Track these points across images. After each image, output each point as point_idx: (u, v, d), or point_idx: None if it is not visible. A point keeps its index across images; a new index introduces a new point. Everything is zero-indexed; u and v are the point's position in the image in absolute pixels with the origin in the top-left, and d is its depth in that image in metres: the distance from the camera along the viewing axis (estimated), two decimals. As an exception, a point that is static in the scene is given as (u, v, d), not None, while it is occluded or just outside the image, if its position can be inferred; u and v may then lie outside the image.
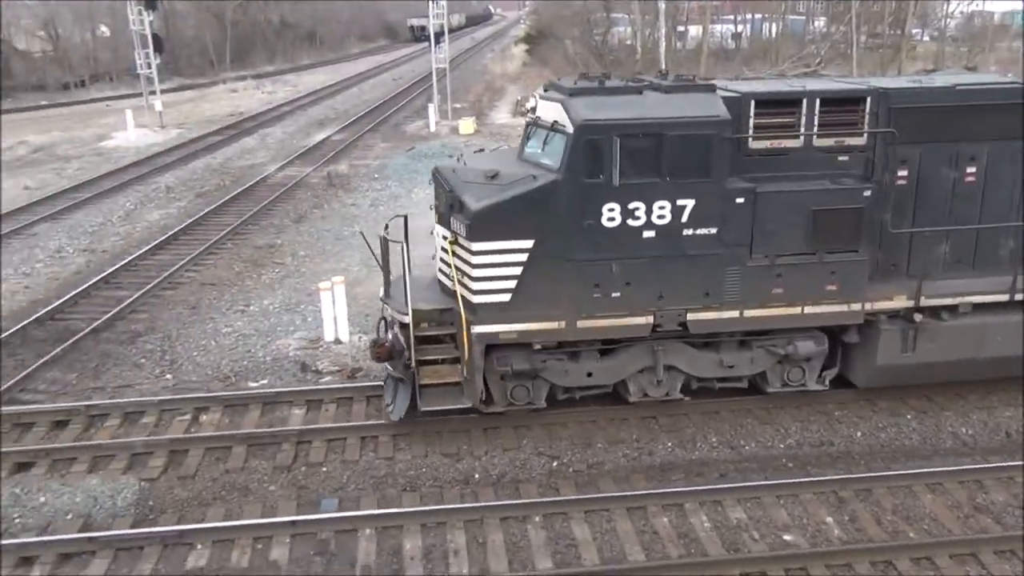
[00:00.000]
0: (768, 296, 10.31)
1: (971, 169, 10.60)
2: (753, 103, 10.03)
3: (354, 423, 11.02)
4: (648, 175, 9.58)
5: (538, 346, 10.33)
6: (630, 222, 9.72)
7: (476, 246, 9.68)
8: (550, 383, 10.72)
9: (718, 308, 10.28)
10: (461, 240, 9.85)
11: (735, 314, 10.36)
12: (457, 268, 10.03)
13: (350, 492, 9.82)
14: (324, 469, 10.23)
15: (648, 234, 9.80)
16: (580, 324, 10.08)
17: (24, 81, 50.13)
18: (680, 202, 9.74)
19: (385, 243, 10.48)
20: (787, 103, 10.12)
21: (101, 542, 8.78)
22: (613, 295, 10.00)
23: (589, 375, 10.67)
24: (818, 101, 10.08)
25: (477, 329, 9.96)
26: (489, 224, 9.62)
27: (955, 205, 10.69)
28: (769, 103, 10.08)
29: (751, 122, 10.06)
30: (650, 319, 10.19)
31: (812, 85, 10.70)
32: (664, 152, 9.52)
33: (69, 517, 9.34)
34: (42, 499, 9.65)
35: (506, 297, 9.87)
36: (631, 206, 9.67)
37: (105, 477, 10.01)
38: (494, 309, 9.90)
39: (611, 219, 9.68)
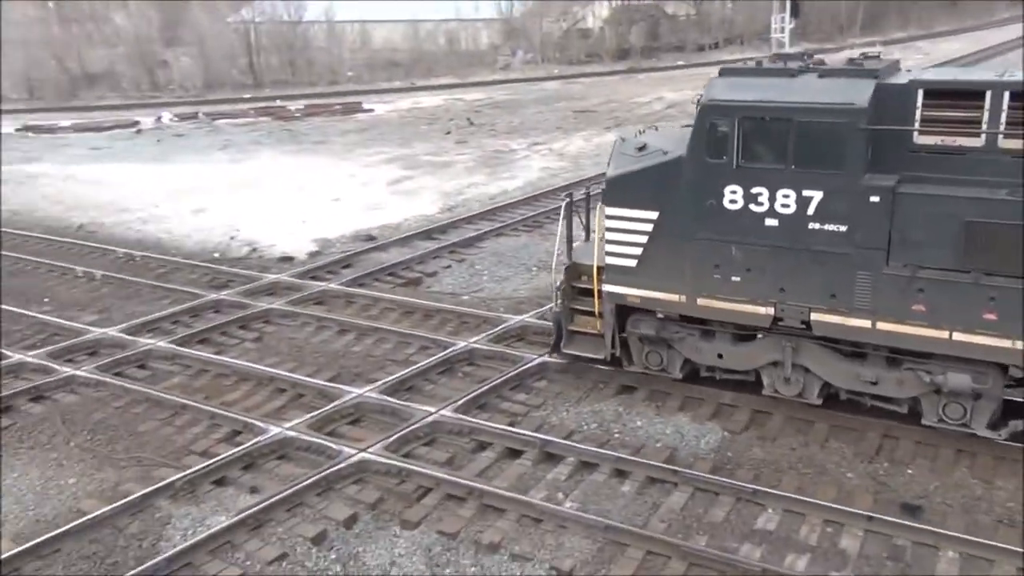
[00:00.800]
0: (907, 311, 9.10)
1: None
2: (921, 92, 8.86)
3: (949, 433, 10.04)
4: (772, 161, 9.35)
5: (661, 315, 10.66)
6: (752, 207, 9.57)
7: (608, 211, 10.54)
8: (684, 357, 10.88)
9: (846, 313, 9.45)
10: (601, 204, 10.66)
11: (865, 323, 9.39)
12: (597, 230, 10.96)
13: (935, 504, 9.00)
14: (909, 471, 9.54)
15: (771, 222, 9.52)
16: (700, 302, 10.25)
17: (667, 42, 55.17)
18: (806, 193, 9.24)
19: (568, 207, 11.47)
20: (966, 95, 8.70)
21: (684, 477, 9.44)
22: (733, 279, 9.94)
23: (720, 356, 10.67)
24: (1007, 95, 8.43)
25: (607, 288, 10.81)
26: (618, 192, 10.41)
27: None
28: (943, 93, 8.84)
29: (918, 114, 8.91)
30: (771, 311, 9.89)
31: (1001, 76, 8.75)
32: (791, 138, 9.14)
33: (659, 445, 10.22)
34: (639, 423, 10.74)
35: (632, 263, 10.52)
36: (754, 191, 9.51)
37: (694, 418, 10.72)
38: (621, 272, 10.63)
39: (733, 201, 9.66)
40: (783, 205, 9.39)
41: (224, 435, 10.84)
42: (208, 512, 9.19)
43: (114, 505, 9.18)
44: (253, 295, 15.80)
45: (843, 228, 9.16)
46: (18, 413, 11.69)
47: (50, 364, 12.92)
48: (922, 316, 9.04)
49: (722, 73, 10.07)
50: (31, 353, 13.37)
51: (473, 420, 10.77)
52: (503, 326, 13.59)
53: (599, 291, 11.02)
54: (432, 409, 10.99)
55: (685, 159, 9.86)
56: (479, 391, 11.47)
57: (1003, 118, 8.55)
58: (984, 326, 8.77)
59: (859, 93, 8.95)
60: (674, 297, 10.40)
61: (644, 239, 10.37)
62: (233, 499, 9.46)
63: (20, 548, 8.53)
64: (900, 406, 10.04)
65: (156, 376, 12.76)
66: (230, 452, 10.20)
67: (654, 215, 10.20)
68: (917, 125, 8.96)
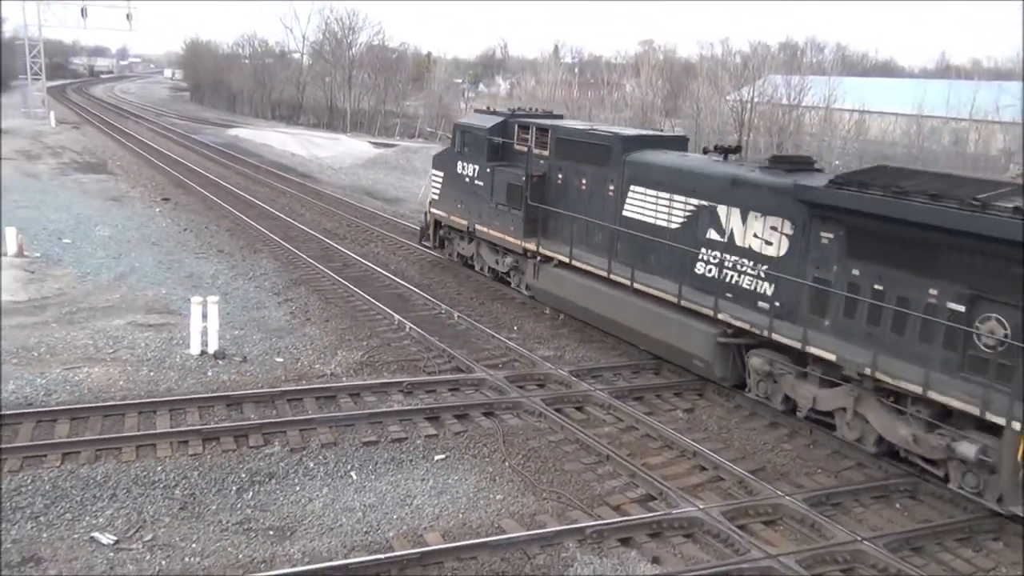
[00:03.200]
0: (495, 225, 20.03)
1: None
2: (517, 124, 20.34)
3: None
4: (469, 152, 21.14)
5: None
6: (464, 173, 21.10)
7: (432, 172, 23.14)
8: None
9: (483, 224, 20.40)
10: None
11: (486, 230, 20.35)
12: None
13: None
14: None
15: (467, 181, 21.11)
16: (452, 217, 21.76)
17: None
18: (472, 168, 21.01)
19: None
20: (525, 128, 20.03)
21: None
22: (459, 207, 21.52)
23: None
24: (533, 128, 19.55)
25: (431, 210, 23.28)
26: (435, 162, 23.42)
27: None
28: (522, 127, 20.17)
29: (515, 134, 20.20)
30: (467, 223, 21.04)
31: None
32: (471, 143, 21.06)
33: None
34: None
35: (437, 198, 22.81)
36: (464, 166, 21.25)
37: None
38: (434, 203, 23.03)
39: (460, 171, 21.34)
40: (468, 173, 20.67)
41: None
42: (608, 568, 9.35)
43: (530, 532, 9.80)
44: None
45: (481, 184, 20.10)
46: (471, 422, 13.11)
47: (505, 386, 14.31)
48: (498, 227, 19.59)
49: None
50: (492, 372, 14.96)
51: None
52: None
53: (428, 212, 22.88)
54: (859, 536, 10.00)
55: (451, 149, 21.59)
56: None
57: (531, 137, 19.15)
58: (511, 234, 19.16)
59: (491, 121, 20.27)
60: (445, 215, 21.89)
61: (439, 187, 21.98)
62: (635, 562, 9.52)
63: (446, 545, 9.48)
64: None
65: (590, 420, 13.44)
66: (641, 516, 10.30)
67: (442, 175, 21.87)
68: (514, 140, 19.68)
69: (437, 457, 11.89)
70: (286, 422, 12.45)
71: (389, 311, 18.20)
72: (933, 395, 10.82)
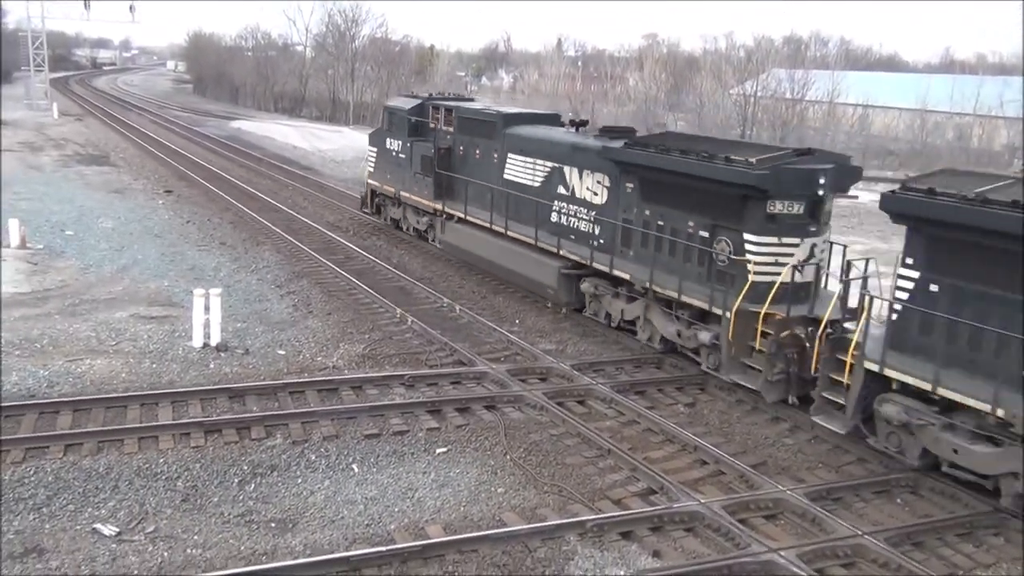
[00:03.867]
0: (414, 190, 23.73)
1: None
2: (432, 105, 24.26)
3: None
4: (394, 131, 25.01)
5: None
6: (391, 148, 25.05)
7: (368, 148, 28.42)
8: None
9: (408, 192, 23.73)
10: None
11: (410, 196, 23.88)
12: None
13: None
14: None
15: (394, 155, 24.85)
16: (383, 187, 25.69)
17: None
18: (397, 143, 24.61)
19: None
20: (437, 108, 23.89)
21: None
22: (388, 177, 25.18)
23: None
24: (443, 109, 23.33)
25: (367, 180, 26.96)
26: (370, 139, 27.91)
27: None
28: (437, 107, 24.24)
29: (431, 115, 23.67)
30: (394, 191, 24.65)
31: None
32: (396, 122, 25.14)
33: None
34: None
35: (373, 170, 26.48)
36: (392, 141, 25.12)
37: None
38: (370, 175, 26.71)
39: (388, 147, 25.32)
40: (395, 148, 24.17)
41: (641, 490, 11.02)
42: (609, 561, 9.36)
43: (531, 526, 9.82)
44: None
45: (404, 156, 23.64)
46: (472, 415, 13.12)
47: (507, 379, 14.32)
48: (416, 192, 23.28)
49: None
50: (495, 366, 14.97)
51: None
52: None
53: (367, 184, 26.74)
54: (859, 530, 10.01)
55: (381, 128, 25.36)
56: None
57: (440, 116, 22.72)
58: (426, 198, 22.91)
59: (411, 104, 24.05)
60: (379, 184, 25.72)
61: (374, 161, 25.61)
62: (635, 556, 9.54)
63: (448, 538, 9.50)
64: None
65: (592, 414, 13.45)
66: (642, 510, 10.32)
67: (375, 150, 25.46)
68: (428, 119, 23.07)
69: (439, 450, 11.90)
70: (288, 415, 12.46)
71: (391, 304, 18.21)
72: (685, 298, 14.59)
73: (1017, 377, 10.16)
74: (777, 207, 13.60)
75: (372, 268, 21.77)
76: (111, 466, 10.72)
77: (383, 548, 9.18)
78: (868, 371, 11.45)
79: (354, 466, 11.33)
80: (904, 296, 11.44)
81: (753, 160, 13.49)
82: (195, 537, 9.47)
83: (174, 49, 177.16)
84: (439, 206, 22.22)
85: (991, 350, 10.52)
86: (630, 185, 16.19)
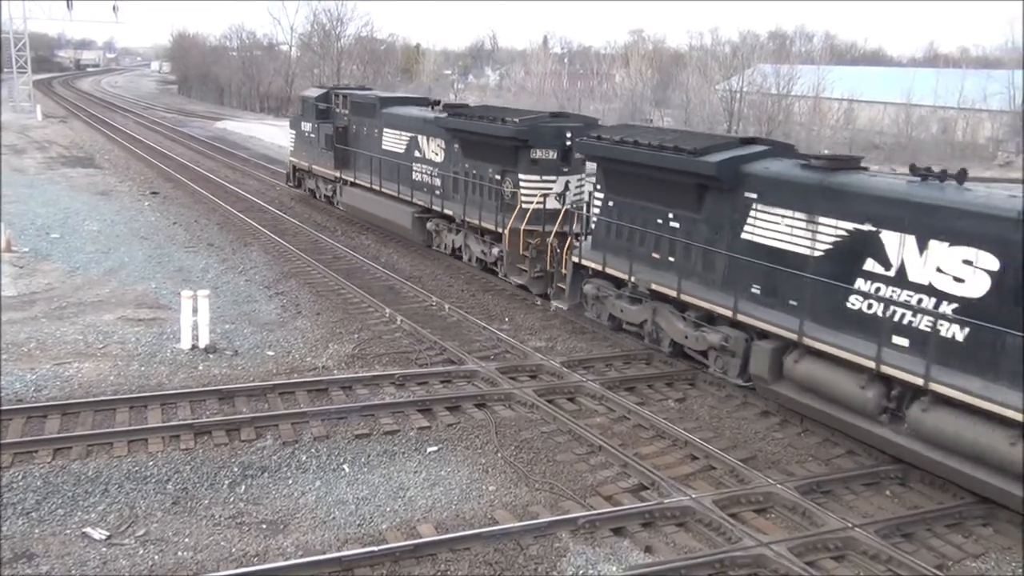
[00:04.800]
0: (362, 174, 27.31)
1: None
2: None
3: None
4: (308, 115, 30.30)
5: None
6: (305, 129, 30.72)
7: (290, 130, 32.51)
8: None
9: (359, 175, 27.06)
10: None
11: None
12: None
13: None
14: None
15: (313, 136, 29.48)
16: (313, 167, 30.21)
17: None
18: (320, 126, 29.45)
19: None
20: (385, 102, 28.19)
21: None
22: (321, 158, 29.28)
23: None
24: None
25: (290, 158, 33.40)
26: (292, 123, 34.55)
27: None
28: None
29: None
30: (336, 174, 28.02)
31: None
32: (314, 110, 29.54)
33: None
34: None
35: (294, 148, 32.66)
36: (305, 124, 30.82)
37: None
38: (292, 152, 33.00)
39: (303, 129, 31.31)
40: (307, 129, 29.55)
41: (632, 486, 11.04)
42: (601, 557, 9.38)
43: (523, 523, 9.82)
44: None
45: (314, 136, 28.80)
46: (463, 414, 13.11)
47: (497, 378, 14.32)
48: (323, 164, 28.62)
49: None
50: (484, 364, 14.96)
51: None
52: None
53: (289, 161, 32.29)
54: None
55: (297, 113, 31.42)
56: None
57: (340, 102, 28.21)
58: (330, 168, 28.10)
59: (318, 92, 29.75)
60: (297, 161, 30.94)
61: (294, 141, 31.02)
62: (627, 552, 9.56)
63: (439, 537, 9.50)
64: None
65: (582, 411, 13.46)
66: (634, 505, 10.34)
67: (294, 133, 30.91)
68: (332, 104, 28.35)
69: (430, 449, 11.89)
70: (278, 416, 12.43)
71: (380, 303, 18.18)
72: (484, 224, 20.05)
73: (648, 256, 15.27)
74: (538, 154, 18.93)
75: (360, 268, 21.72)
76: (100, 470, 10.66)
77: (375, 548, 9.16)
78: (575, 263, 16.86)
79: (345, 466, 11.30)
80: (596, 210, 16.69)
81: (517, 120, 19.00)
82: (186, 540, 9.43)
83: (158, 49, 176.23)
84: (338, 174, 27.79)
85: (636, 241, 15.53)
86: (456, 146, 21.35)
